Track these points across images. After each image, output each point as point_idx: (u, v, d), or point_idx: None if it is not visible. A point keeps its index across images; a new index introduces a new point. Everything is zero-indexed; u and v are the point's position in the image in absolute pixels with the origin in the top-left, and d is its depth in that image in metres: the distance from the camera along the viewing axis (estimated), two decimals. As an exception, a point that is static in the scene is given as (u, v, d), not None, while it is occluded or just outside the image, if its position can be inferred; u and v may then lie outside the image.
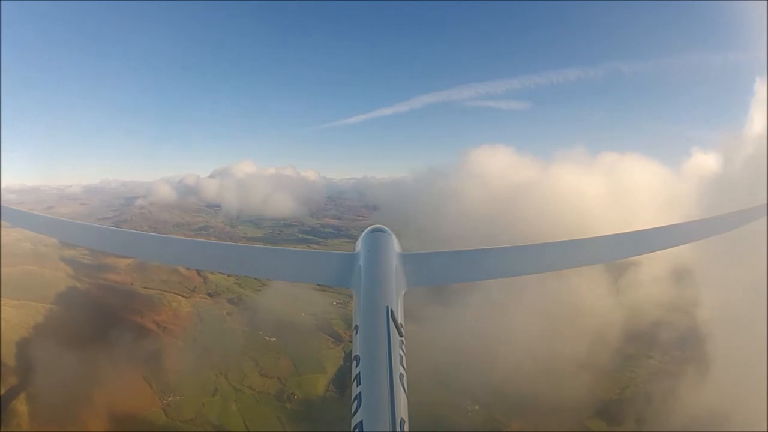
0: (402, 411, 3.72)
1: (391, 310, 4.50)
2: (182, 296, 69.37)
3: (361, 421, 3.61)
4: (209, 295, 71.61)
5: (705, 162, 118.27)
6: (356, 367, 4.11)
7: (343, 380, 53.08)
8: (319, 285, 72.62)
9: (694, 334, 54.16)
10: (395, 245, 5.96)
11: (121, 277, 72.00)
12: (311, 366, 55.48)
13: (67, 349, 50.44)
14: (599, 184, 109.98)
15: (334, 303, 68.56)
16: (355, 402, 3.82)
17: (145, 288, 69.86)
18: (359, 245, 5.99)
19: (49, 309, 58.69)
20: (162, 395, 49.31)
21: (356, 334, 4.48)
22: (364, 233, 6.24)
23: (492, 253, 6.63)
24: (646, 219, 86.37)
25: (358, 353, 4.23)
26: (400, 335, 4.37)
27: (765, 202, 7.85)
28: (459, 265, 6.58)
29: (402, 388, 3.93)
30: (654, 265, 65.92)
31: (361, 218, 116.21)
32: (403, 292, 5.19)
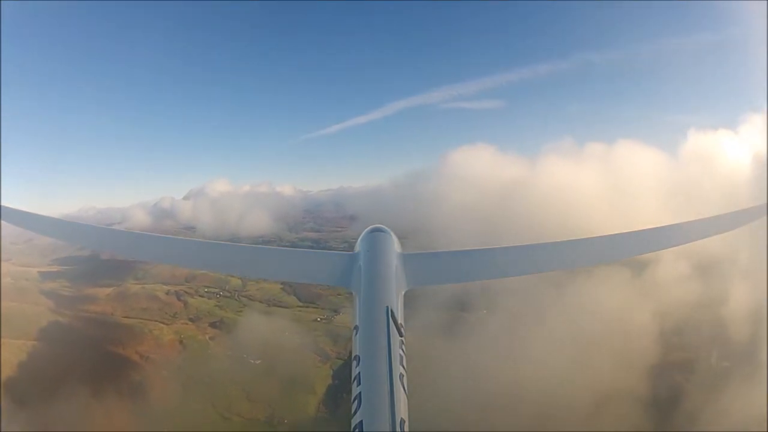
0: (402, 411, 3.77)
1: (391, 310, 4.56)
2: (163, 323, 68.68)
3: (361, 421, 3.66)
4: (190, 320, 70.79)
5: (701, 142, 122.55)
6: (356, 367, 4.15)
7: (334, 399, 52.91)
8: (302, 301, 73.60)
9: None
10: (395, 245, 6.01)
11: (102, 307, 71.27)
12: (300, 387, 55.21)
13: (52, 387, 49.85)
14: (589, 175, 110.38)
15: (318, 319, 68.93)
16: (355, 402, 3.86)
17: (125, 317, 69.15)
18: (359, 245, 6.01)
19: (32, 346, 57.95)
20: (148, 428, 48.95)
21: (356, 334, 4.51)
22: (364, 233, 6.23)
23: (492, 253, 6.66)
24: (639, 205, 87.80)
25: (358, 353, 4.28)
26: (400, 335, 4.41)
27: (765, 201, 7.83)
28: (459, 265, 6.59)
29: (402, 388, 3.98)
30: (672, 267, 64.72)
31: (340, 229, 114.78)
32: (403, 292, 5.24)
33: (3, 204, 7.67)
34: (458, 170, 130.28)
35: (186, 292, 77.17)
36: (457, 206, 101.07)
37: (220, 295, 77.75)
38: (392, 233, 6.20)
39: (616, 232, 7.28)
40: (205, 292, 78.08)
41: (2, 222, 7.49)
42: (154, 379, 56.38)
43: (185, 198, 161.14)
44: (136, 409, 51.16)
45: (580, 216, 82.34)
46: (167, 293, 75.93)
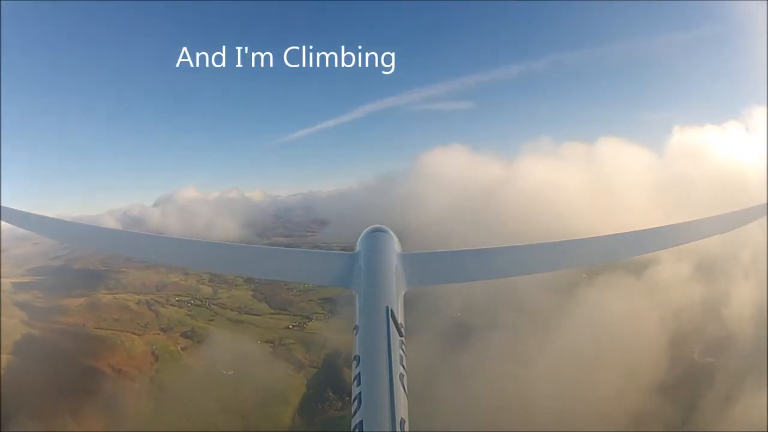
0: (402, 411, 3.78)
1: (391, 310, 4.57)
2: (135, 334, 67.70)
3: (361, 421, 3.67)
4: (162, 330, 69.91)
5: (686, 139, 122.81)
6: (356, 367, 4.16)
7: (309, 409, 53.20)
8: (273, 308, 73.51)
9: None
10: (395, 245, 6.02)
11: (73, 319, 70.27)
12: (274, 397, 55.18)
13: (26, 403, 49.77)
14: (570, 174, 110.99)
15: (290, 326, 68.79)
16: (355, 402, 3.87)
17: (97, 328, 68.31)
18: (359, 245, 6.02)
19: (7, 360, 57.12)
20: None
21: (356, 334, 4.52)
22: (363, 233, 6.23)
23: (492, 253, 6.66)
24: (624, 204, 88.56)
25: (358, 353, 4.29)
26: (400, 335, 4.42)
27: (765, 201, 7.77)
28: (459, 265, 6.59)
29: (402, 388, 3.99)
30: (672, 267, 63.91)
31: (310, 234, 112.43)
32: (403, 292, 5.26)
33: (3, 204, 7.72)
34: (431, 171, 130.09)
35: (157, 301, 76.45)
36: (432, 208, 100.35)
37: (191, 303, 77.12)
38: (392, 233, 6.27)
39: (612, 233, 7.31)
40: (176, 301, 77.32)
41: (2, 222, 7.56)
42: (127, 392, 56.07)
43: (155, 205, 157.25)
44: (109, 423, 51.15)
45: (562, 216, 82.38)
46: (138, 303, 75.05)
